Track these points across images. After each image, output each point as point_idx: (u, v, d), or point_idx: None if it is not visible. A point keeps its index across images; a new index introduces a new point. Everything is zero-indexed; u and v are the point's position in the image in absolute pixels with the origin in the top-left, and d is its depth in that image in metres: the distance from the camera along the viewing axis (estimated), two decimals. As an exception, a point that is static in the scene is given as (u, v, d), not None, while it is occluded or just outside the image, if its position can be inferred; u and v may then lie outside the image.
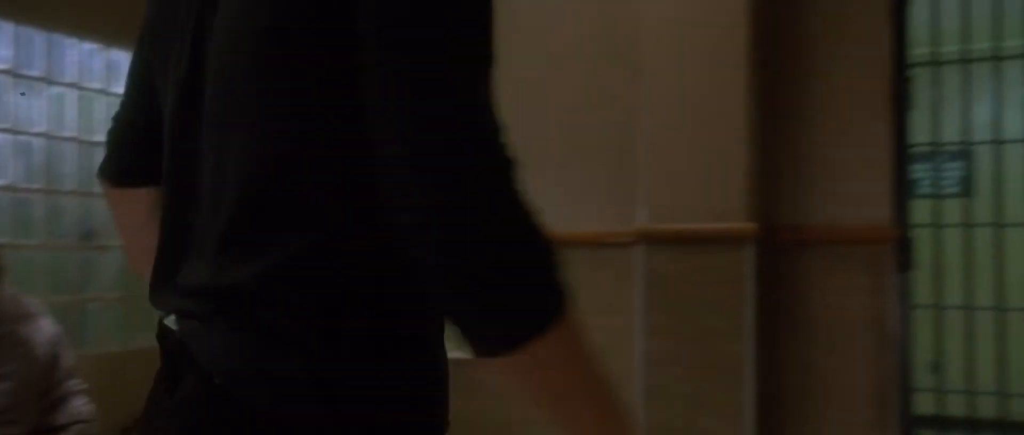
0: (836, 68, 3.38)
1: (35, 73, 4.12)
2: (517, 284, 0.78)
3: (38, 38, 4.11)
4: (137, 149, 1.07)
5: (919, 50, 3.39)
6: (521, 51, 3.73)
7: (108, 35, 4.29)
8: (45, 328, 2.45)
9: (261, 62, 0.82)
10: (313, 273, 0.81)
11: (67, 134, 4.26)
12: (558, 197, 3.64)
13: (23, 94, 4.08)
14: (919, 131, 3.39)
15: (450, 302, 0.78)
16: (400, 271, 0.79)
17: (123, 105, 1.10)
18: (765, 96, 3.44)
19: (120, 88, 1.35)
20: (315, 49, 0.80)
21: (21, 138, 4.09)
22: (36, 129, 4.14)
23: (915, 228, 3.36)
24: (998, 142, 3.29)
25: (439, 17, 0.77)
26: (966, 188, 4.81)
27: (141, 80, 1.04)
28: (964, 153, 3.39)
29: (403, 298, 0.83)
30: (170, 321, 0.90)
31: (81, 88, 4.30)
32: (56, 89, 4.23)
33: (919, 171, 4.80)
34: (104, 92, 4.35)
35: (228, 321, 0.83)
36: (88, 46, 4.32)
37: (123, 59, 4.25)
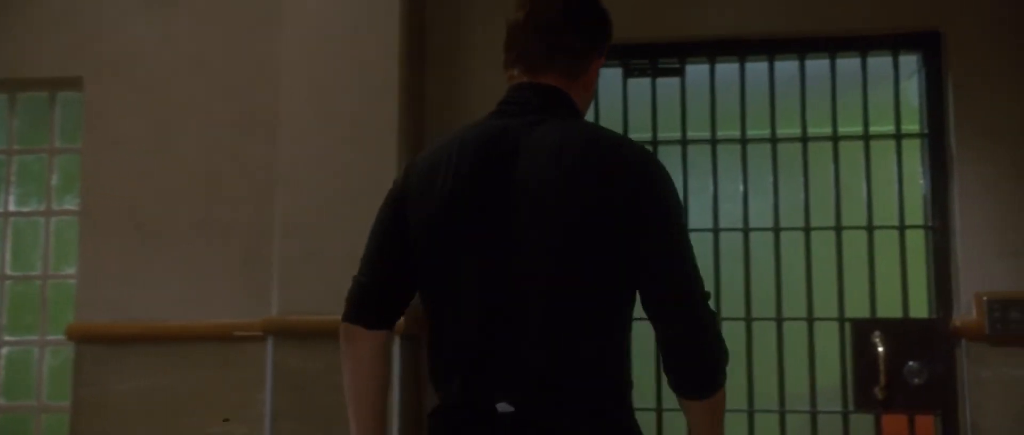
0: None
1: None
2: (716, 364, 1.49)
3: None
4: (387, 303, 1.59)
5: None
6: (138, 107, 3.14)
7: None
8: None
9: (578, 236, 1.44)
10: (604, 375, 1.48)
11: None
12: (181, 281, 3.05)
13: None
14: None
15: (689, 367, 1.48)
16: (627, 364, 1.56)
17: (374, 272, 1.59)
18: (420, 172, 3.09)
19: None
20: (608, 244, 1.43)
21: None
22: None
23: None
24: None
25: (683, 237, 1.49)
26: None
27: (398, 254, 1.55)
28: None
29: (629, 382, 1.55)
30: (503, 406, 1.42)
31: None
32: None
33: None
34: None
35: (562, 408, 1.43)
36: None
37: None
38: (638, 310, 1.53)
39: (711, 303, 1.53)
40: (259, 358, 2.90)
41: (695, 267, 1.48)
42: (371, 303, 1.60)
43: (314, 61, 2.94)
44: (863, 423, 3.07)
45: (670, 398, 3.08)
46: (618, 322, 1.48)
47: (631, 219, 1.42)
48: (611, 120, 3.20)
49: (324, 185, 2.89)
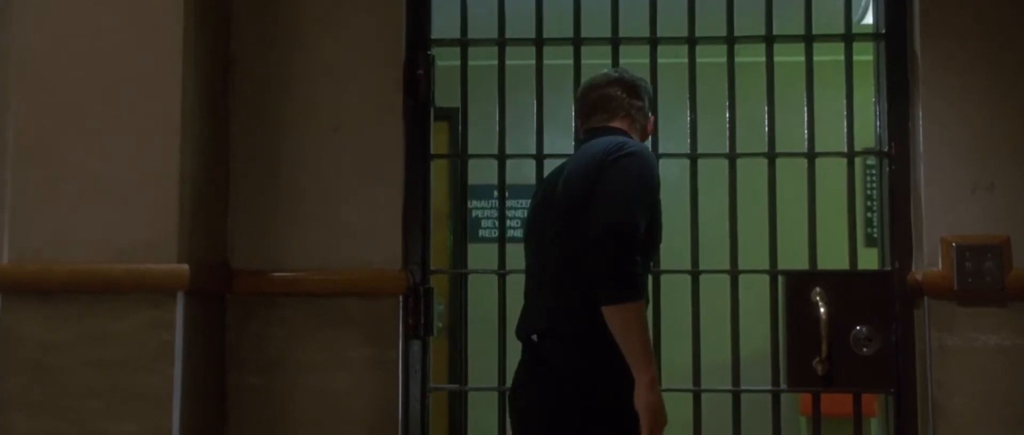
0: (329, 42, 2.36)
1: None
2: (620, 277, 1.89)
3: None
4: None
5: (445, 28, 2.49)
6: None
7: None
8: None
9: (569, 209, 2.00)
10: (585, 311, 1.93)
11: None
12: None
13: None
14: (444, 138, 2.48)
15: (601, 280, 1.89)
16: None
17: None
18: (218, 75, 2.33)
19: None
20: (586, 203, 1.97)
21: None
22: None
23: (442, 274, 2.41)
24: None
25: (627, 184, 1.95)
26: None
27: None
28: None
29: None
30: (534, 338, 2.05)
31: None
32: None
33: (477, 208, 3.98)
34: None
35: (559, 336, 2.01)
36: None
37: None
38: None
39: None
40: (-10, 324, 2.11)
41: (627, 209, 1.91)
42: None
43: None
44: (796, 402, 2.44)
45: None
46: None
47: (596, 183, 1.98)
48: (482, 18, 2.48)
49: (79, 83, 2.11)
